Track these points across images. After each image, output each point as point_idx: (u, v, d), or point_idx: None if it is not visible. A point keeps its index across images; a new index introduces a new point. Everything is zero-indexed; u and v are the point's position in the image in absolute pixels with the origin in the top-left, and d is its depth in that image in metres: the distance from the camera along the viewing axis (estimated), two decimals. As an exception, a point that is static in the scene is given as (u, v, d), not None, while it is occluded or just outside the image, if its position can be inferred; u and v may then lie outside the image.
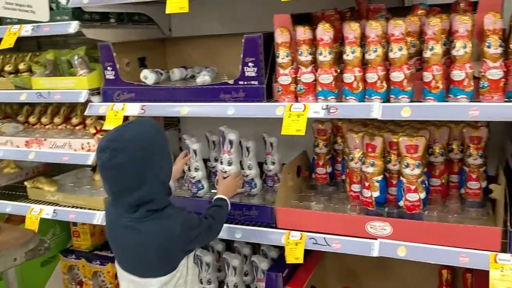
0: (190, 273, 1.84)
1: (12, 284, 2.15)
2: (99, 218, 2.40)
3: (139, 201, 1.68)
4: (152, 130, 1.72)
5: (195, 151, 2.35)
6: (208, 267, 2.55)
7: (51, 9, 2.40)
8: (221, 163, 2.25)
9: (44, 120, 2.90)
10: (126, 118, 2.71)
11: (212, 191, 2.40)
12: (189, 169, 2.38)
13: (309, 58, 1.91)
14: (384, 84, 1.80)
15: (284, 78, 1.96)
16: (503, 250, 1.71)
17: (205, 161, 2.48)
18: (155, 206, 1.70)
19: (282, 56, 1.94)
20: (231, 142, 2.22)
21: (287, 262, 2.02)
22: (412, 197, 1.86)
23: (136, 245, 1.72)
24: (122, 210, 1.72)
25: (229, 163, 2.22)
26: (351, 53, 1.81)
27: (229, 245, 2.69)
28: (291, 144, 2.60)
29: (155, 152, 1.67)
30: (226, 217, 2.04)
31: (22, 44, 3.40)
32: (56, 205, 2.58)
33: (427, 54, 1.70)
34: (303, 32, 1.89)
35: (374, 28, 1.76)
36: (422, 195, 1.87)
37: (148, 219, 1.69)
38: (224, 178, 2.21)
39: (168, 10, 1.96)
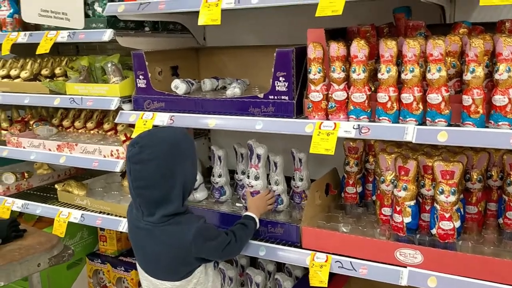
0: (210, 280, 1.85)
1: (37, 286, 2.17)
2: (124, 225, 2.40)
3: (156, 202, 1.72)
4: (181, 135, 1.79)
5: (219, 158, 2.37)
6: (231, 281, 2.51)
7: (87, 16, 2.43)
8: (248, 177, 2.22)
9: (77, 124, 2.94)
10: (155, 127, 2.73)
11: (234, 197, 2.42)
12: (213, 175, 2.39)
13: (342, 75, 1.84)
14: (420, 106, 1.71)
15: (315, 94, 1.90)
16: (544, 288, 1.60)
17: (232, 172, 2.45)
18: (172, 210, 1.73)
19: (314, 72, 1.88)
20: (258, 157, 2.18)
21: (311, 284, 1.95)
22: (446, 225, 1.76)
23: (151, 248, 1.77)
24: (140, 212, 1.77)
25: (256, 178, 2.18)
26: (386, 72, 1.73)
27: (253, 260, 2.64)
28: (321, 161, 2.53)
29: (180, 155, 1.72)
30: (251, 236, 2.01)
31: (61, 48, 3.49)
32: (84, 210, 2.61)
33: (467, 76, 1.61)
34: (336, 48, 1.82)
35: (412, 47, 1.68)
36: (457, 223, 1.77)
37: (164, 225, 1.73)
38: (251, 193, 2.17)
39: (200, 22, 1.94)
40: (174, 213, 1.74)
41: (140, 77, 2.33)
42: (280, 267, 2.58)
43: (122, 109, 2.36)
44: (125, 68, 2.63)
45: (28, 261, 1.90)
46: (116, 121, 2.38)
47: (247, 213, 2.04)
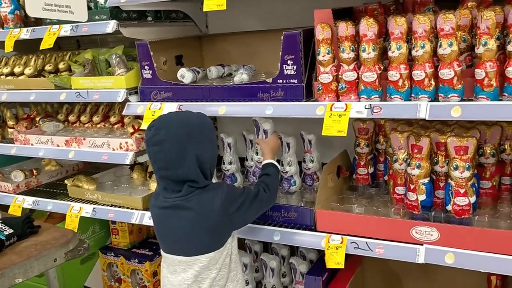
0: (234, 253, 1.88)
1: (53, 282, 2.18)
2: (137, 217, 2.40)
3: (180, 181, 1.76)
4: (195, 116, 1.82)
5: (229, 145, 2.37)
6: (245, 268, 2.51)
7: (89, 8, 2.41)
8: (257, 153, 2.26)
9: (83, 118, 2.93)
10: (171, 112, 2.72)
11: (245, 184, 2.41)
12: (223, 163, 2.39)
13: (352, 55, 1.82)
14: (432, 82, 1.70)
15: (325, 76, 1.89)
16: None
17: (242, 160, 2.44)
18: (197, 185, 1.78)
19: (323, 53, 1.87)
20: (265, 132, 2.20)
21: (328, 266, 1.95)
22: (462, 201, 1.76)
23: (184, 222, 1.78)
24: (168, 192, 1.81)
25: (230, 163, 2.29)
26: (396, 50, 1.71)
27: (267, 245, 2.65)
28: (331, 143, 2.52)
29: (196, 134, 1.75)
30: (278, 181, 2.03)
31: (62, 43, 3.46)
32: (95, 204, 2.61)
33: (479, 50, 1.59)
34: (345, 28, 1.80)
35: (422, 23, 1.66)
36: (472, 199, 1.77)
37: (192, 195, 1.77)
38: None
39: (205, 8, 1.92)
40: (200, 186, 1.79)
41: (146, 67, 2.31)
42: (294, 251, 2.59)
43: (129, 101, 2.35)
44: (129, 59, 2.61)
45: (45, 256, 1.90)
46: (123, 113, 2.36)
47: (265, 161, 2.05)
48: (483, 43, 1.58)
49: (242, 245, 2.69)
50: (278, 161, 2.17)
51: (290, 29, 1.97)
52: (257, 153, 2.28)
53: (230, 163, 2.38)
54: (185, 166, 1.74)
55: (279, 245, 2.54)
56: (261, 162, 2.14)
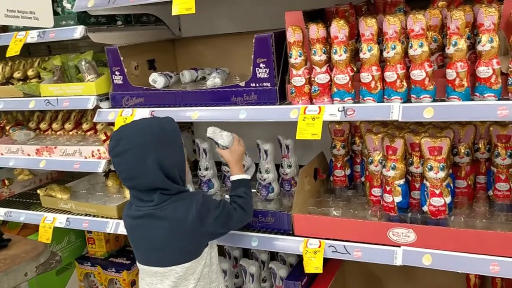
0: (215, 263, 1.85)
1: (26, 296, 2.12)
2: (112, 226, 2.35)
3: (148, 190, 1.73)
4: (157, 123, 1.78)
5: (204, 150, 2.34)
6: (225, 274, 2.48)
7: (56, 13, 2.35)
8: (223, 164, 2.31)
9: (55, 126, 2.85)
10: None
11: (223, 189, 2.39)
12: (199, 169, 2.36)
13: (323, 57, 1.80)
14: (404, 83, 1.68)
15: (297, 79, 1.86)
16: (537, 257, 1.60)
17: (219, 164, 2.41)
18: (168, 192, 1.74)
19: (295, 56, 1.84)
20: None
21: (306, 271, 1.93)
22: (437, 201, 1.75)
23: (158, 232, 1.74)
24: (140, 202, 1.77)
25: (206, 168, 2.28)
26: (367, 51, 1.70)
27: (247, 250, 2.62)
28: (308, 146, 2.50)
29: (157, 142, 1.71)
30: (251, 199, 1.95)
31: (32, 49, 3.38)
32: (69, 213, 2.54)
33: (450, 50, 1.58)
34: (316, 30, 1.78)
35: (392, 24, 1.64)
36: (448, 199, 1.76)
37: (165, 204, 1.73)
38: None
39: (174, 12, 1.88)
40: (173, 194, 1.75)
41: (116, 73, 2.26)
42: (274, 255, 2.56)
43: (100, 108, 2.29)
44: (99, 65, 2.56)
45: (14, 271, 1.84)
46: (94, 120, 2.31)
47: (233, 178, 1.97)
48: (453, 43, 1.57)
49: (221, 251, 2.66)
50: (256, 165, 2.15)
51: (263, 32, 1.94)
52: (223, 164, 2.29)
53: (206, 169, 2.35)
54: (148, 175, 1.71)
55: (259, 250, 2.51)
56: (228, 172, 2.11)
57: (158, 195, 1.73)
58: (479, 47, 1.55)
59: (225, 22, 2.72)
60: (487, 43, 1.53)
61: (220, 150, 2.01)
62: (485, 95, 1.57)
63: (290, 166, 2.24)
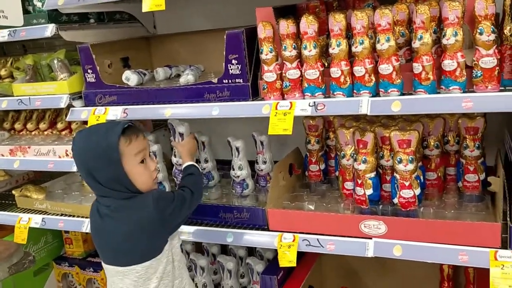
0: (177, 260, 1.82)
1: (1, 297, 2.10)
2: (87, 226, 2.34)
3: (99, 190, 1.72)
4: (96, 135, 1.71)
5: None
6: (202, 271, 2.48)
7: (27, 12, 2.32)
8: (175, 156, 2.34)
9: (29, 126, 2.83)
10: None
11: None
12: (175, 166, 2.38)
13: (294, 53, 1.82)
14: (373, 78, 1.71)
15: (269, 75, 1.87)
16: (504, 245, 1.63)
17: (197, 162, 2.41)
18: (124, 195, 1.71)
19: (266, 52, 1.85)
20: (181, 135, 2.23)
21: (281, 265, 1.95)
22: (407, 193, 1.78)
23: (115, 232, 1.72)
24: (99, 203, 1.76)
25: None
26: (336, 46, 1.72)
27: (225, 246, 2.63)
28: (284, 141, 2.52)
29: (87, 155, 1.69)
30: (202, 179, 2.04)
31: (7, 48, 3.33)
32: (45, 214, 2.52)
33: (416, 44, 1.61)
34: (286, 26, 1.80)
35: (360, 19, 1.67)
36: (417, 191, 1.79)
37: (121, 207, 1.71)
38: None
39: (144, 9, 1.87)
40: (125, 197, 1.71)
41: (89, 71, 2.24)
42: (252, 251, 2.58)
43: (73, 106, 2.28)
44: (74, 63, 2.54)
45: (-14, 272, 1.83)
46: (67, 119, 2.29)
47: (184, 164, 2.03)
48: (419, 37, 1.60)
49: (199, 248, 2.67)
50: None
51: (236, 28, 1.95)
52: (175, 156, 2.34)
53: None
54: (90, 184, 1.73)
55: (237, 246, 2.52)
56: (180, 165, 2.18)
57: (111, 200, 1.72)
58: (444, 41, 1.58)
59: (201, 19, 2.72)
60: (451, 36, 1.56)
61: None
62: (451, 88, 1.60)
63: (265, 162, 2.26)
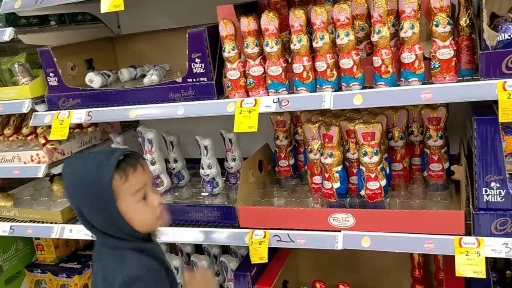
0: None
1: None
2: (57, 231, 2.30)
3: (91, 229, 1.46)
4: (89, 172, 1.39)
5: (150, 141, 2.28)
6: (177, 271, 2.47)
7: (-17, 16, 2.25)
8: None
9: (-6, 132, 2.76)
10: (80, 126, 2.61)
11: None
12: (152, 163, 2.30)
13: (256, 50, 1.82)
14: (334, 72, 1.72)
15: (232, 72, 1.87)
16: (468, 232, 1.67)
17: (166, 162, 2.40)
18: (108, 243, 1.45)
19: (228, 49, 1.85)
20: (150, 141, 2.20)
21: (252, 262, 1.95)
22: (373, 185, 1.81)
23: (97, 278, 1.49)
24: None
25: (152, 163, 2.21)
26: (297, 42, 1.72)
27: (199, 245, 2.62)
28: (253, 138, 2.51)
29: (74, 190, 1.42)
30: None
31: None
32: (13, 221, 2.47)
33: (374, 38, 1.62)
34: (247, 23, 1.79)
35: (319, 15, 1.67)
36: (383, 182, 1.82)
37: (107, 251, 1.45)
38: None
39: (103, 9, 1.85)
40: (112, 247, 1.44)
41: (51, 74, 2.20)
42: (226, 249, 2.57)
43: (36, 111, 2.23)
44: (36, 66, 2.48)
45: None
46: (31, 124, 2.25)
47: None
48: (377, 31, 1.61)
49: (173, 248, 2.65)
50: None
51: (200, 26, 1.93)
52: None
53: (153, 163, 2.32)
54: (87, 226, 1.45)
55: (210, 245, 2.51)
56: None
57: (102, 241, 1.46)
58: (402, 34, 1.61)
59: (165, 18, 2.69)
60: (409, 29, 1.59)
61: (188, 275, 1.72)
62: (410, 80, 1.62)
63: (234, 160, 2.26)
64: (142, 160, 1.48)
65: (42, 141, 2.35)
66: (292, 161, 2.26)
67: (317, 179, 2.00)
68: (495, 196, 1.61)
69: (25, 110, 2.18)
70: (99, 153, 1.49)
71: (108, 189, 1.36)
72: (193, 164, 2.54)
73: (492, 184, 1.59)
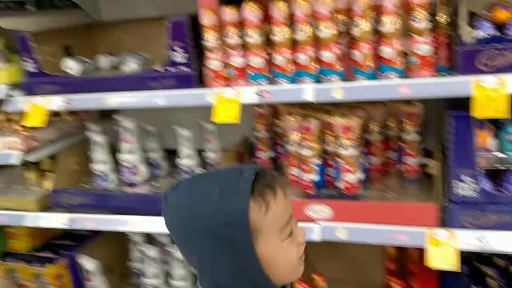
0: None
1: None
2: (30, 220, 2.26)
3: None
4: (213, 207, 1.00)
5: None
6: (153, 261, 2.47)
7: (-42, -2, 2.20)
8: (119, 151, 2.27)
9: (-33, 119, 2.69)
10: (57, 114, 2.57)
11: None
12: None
13: (238, 40, 1.82)
14: (316, 65, 1.73)
15: (214, 63, 1.87)
16: (443, 225, 1.71)
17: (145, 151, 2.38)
18: None
19: (210, 39, 1.84)
20: (128, 130, 2.21)
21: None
22: (350, 178, 1.83)
23: None
24: None
25: (130, 152, 2.22)
26: (279, 34, 1.73)
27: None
28: (233, 129, 2.50)
29: (199, 239, 1.02)
30: None
31: None
32: (-15, 209, 2.43)
33: (355, 32, 1.64)
34: (229, 13, 1.79)
35: (301, 7, 1.68)
36: (360, 175, 1.85)
37: None
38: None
39: (82, -4, 1.82)
40: None
41: (28, 60, 2.16)
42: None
43: (12, 97, 2.19)
44: (14, 52, 2.43)
45: None
46: (6, 110, 2.20)
47: None
48: (358, 25, 1.63)
49: (150, 239, 2.64)
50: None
51: (181, 15, 1.92)
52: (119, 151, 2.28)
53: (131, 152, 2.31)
54: (202, 280, 1.07)
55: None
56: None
57: None
58: (381, 28, 1.63)
59: (147, 6, 2.65)
60: (388, 24, 1.61)
61: None
62: (388, 74, 1.65)
63: (213, 151, 2.26)
64: (280, 179, 1.09)
65: (18, 128, 2.30)
66: (271, 153, 2.27)
67: (295, 171, 2.01)
68: (468, 190, 1.65)
69: (1, 96, 2.13)
70: (218, 175, 1.08)
71: (244, 225, 0.98)
72: (171, 154, 2.53)
73: (465, 178, 1.63)
